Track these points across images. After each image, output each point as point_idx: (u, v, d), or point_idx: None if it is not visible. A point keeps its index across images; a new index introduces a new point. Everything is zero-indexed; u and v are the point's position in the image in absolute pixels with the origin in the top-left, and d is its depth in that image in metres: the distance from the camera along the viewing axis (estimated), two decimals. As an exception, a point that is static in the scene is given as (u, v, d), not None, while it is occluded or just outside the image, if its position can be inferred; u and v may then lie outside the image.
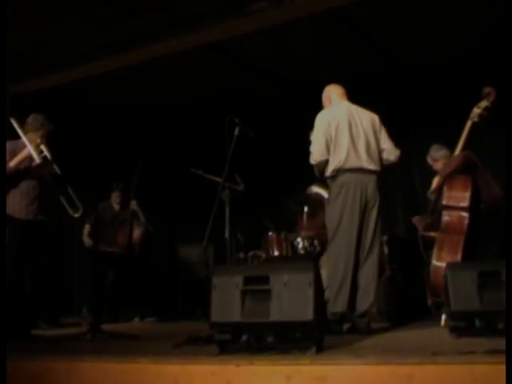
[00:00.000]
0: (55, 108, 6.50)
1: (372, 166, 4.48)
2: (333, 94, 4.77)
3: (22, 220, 5.02)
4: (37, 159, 4.92)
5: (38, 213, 5.11)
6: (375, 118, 4.68)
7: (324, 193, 5.39)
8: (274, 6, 5.60)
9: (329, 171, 4.49)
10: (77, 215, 4.96)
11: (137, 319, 6.75)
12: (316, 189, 5.65)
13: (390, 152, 4.64)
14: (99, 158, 7.10)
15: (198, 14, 5.87)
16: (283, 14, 5.79)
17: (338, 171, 4.44)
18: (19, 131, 5.05)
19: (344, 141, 4.45)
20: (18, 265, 5.07)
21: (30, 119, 5.18)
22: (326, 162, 4.49)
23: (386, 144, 4.64)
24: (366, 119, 4.60)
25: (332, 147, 4.46)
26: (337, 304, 4.25)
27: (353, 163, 4.43)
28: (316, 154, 4.52)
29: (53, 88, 7.09)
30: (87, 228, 7.03)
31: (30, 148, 4.93)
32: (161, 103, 7.92)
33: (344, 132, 4.47)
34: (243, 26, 5.99)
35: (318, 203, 5.60)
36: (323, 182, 4.97)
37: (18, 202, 5.01)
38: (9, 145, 4.99)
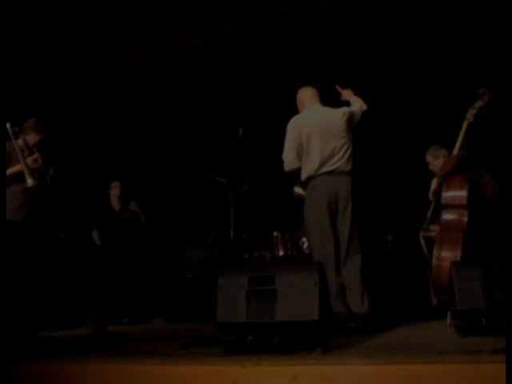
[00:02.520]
0: (55, 107, 6.56)
1: (344, 167, 4.51)
2: (305, 97, 4.78)
3: (13, 222, 5.05)
4: (29, 182, 4.98)
5: (29, 216, 5.14)
6: (345, 110, 4.67)
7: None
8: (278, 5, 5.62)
9: (302, 177, 4.59)
10: None
11: (142, 320, 6.74)
12: (298, 190, 5.63)
13: (357, 113, 4.74)
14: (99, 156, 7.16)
15: (200, 16, 5.89)
16: (287, 14, 5.81)
17: (311, 178, 4.51)
18: (13, 140, 5.11)
19: (315, 149, 4.49)
20: (12, 266, 5.09)
21: (33, 121, 5.26)
22: (299, 168, 4.59)
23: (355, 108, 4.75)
24: (337, 118, 4.60)
25: (304, 156, 4.54)
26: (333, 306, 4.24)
27: (325, 169, 4.48)
28: (288, 163, 4.62)
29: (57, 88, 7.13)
30: (96, 233, 7.05)
31: (25, 171, 4.99)
32: (163, 103, 7.92)
33: (315, 139, 4.50)
34: (246, 26, 6.01)
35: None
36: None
37: (9, 205, 5.03)
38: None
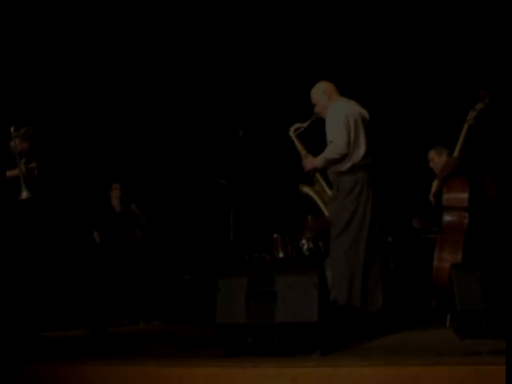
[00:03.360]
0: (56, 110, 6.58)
1: (374, 163, 4.48)
2: (330, 89, 4.65)
3: None
4: (23, 195, 5.00)
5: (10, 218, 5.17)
6: None
7: (313, 194, 5.23)
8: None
9: (345, 166, 4.38)
10: None
11: (141, 322, 6.75)
12: (306, 189, 5.49)
13: None
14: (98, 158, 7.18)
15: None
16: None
17: (355, 167, 4.37)
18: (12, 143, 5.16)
19: (361, 135, 4.42)
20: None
21: (32, 130, 5.30)
22: (345, 155, 4.37)
23: None
24: (365, 113, 4.59)
25: (352, 141, 4.38)
26: (351, 302, 4.21)
27: (367, 160, 4.42)
28: (342, 147, 4.35)
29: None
30: (97, 235, 7.05)
31: (22, 181, 5.03)
32: (163, 105, 7.93)
33: (360, 127, 4.44)
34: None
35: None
36: (310, 183, 4.93)
37: None
38: None
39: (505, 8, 4.64)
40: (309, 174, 4.79)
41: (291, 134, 4.91)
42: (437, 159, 5.36)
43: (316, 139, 4.65)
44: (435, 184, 5.01)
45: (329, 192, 4.72)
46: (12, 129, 5.15)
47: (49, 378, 3.19)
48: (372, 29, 6.36)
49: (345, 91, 4.68)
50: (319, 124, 4.68)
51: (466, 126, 4.85)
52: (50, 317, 5.81)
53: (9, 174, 5.14)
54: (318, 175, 4.80)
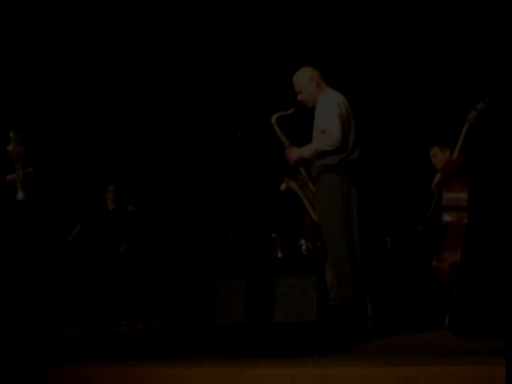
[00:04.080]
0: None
1: (358, 158, 4.29)
2: (317, 77, 4.40)
3: None
4: (19, 196, 5.11)
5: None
6: None
7: (297, 190, 5.00)
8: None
9: (333, 160, 4.15)
10: None
11: (140, 322, 6.75)
12: (290, 184, 5.17)
13: None
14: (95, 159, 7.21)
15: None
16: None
17: (342, 161, 4.16)
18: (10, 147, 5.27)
19: (351, 127, 4.23)
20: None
21: (25, 136, 5.40)
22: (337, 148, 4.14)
23: None
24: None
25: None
26: (357, 294, 4.16)
27: (354, 155, 4.23)
28: (337, 139, 4.08)
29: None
30: (78, 228, 7.08)
31: (18, 183, 5.14)
32: (161, 104, 7.93)
33: (351, 118, 4.25)
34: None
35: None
36: (295, 178, 4.62)
37: None
38: None
39: (505, 7, 4.64)
40: (293, 166, 4.49)
41: (273, 122, 4.58)
42: (440, 156, 5.38)
43: (297, 130, 4.51)
44: (438, 176, 5.03)
45: (312, 187, 4.47)
46: (11, 133, 5.28)
47: (49, 378, 3.19)
48: (372, 26, 6.36)
49: (345, 89, 4.63)
50: (302, 114, 4.48)
51: (466, 126, 4.85)
52: (49, 317, 5.81)
53: (8, 178, 5.26)
54: (301, 168, 4.49)
